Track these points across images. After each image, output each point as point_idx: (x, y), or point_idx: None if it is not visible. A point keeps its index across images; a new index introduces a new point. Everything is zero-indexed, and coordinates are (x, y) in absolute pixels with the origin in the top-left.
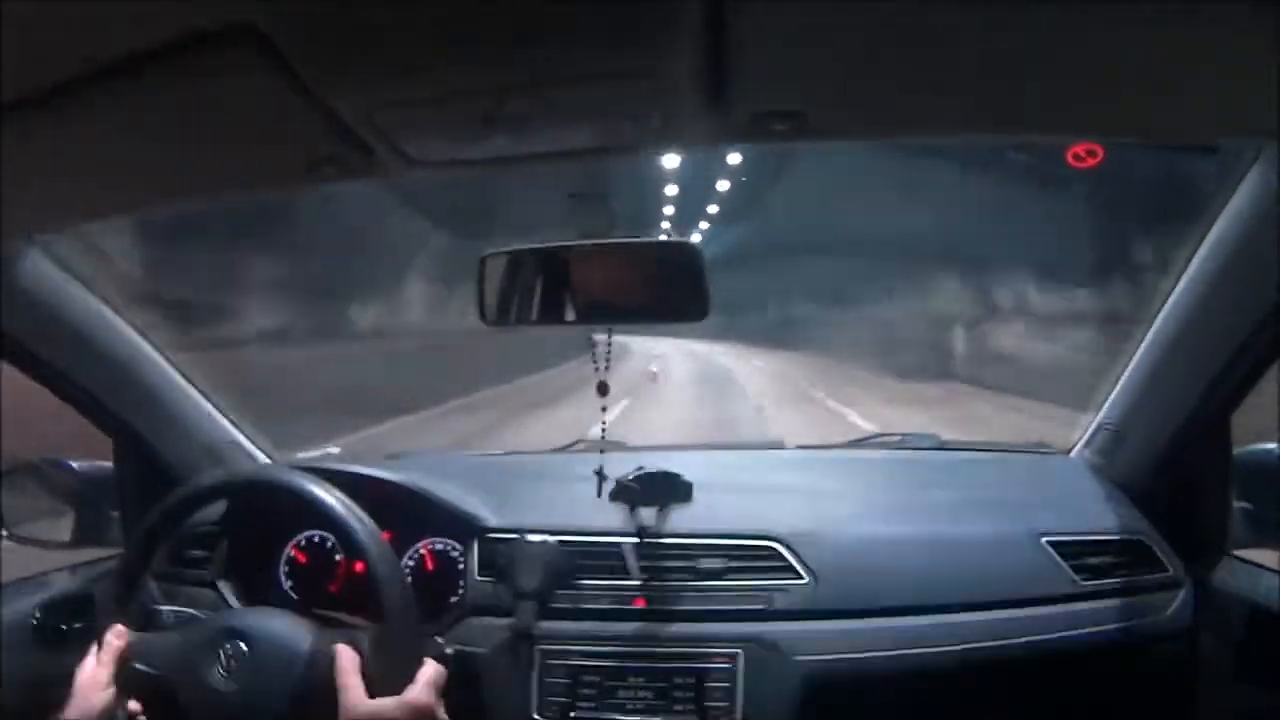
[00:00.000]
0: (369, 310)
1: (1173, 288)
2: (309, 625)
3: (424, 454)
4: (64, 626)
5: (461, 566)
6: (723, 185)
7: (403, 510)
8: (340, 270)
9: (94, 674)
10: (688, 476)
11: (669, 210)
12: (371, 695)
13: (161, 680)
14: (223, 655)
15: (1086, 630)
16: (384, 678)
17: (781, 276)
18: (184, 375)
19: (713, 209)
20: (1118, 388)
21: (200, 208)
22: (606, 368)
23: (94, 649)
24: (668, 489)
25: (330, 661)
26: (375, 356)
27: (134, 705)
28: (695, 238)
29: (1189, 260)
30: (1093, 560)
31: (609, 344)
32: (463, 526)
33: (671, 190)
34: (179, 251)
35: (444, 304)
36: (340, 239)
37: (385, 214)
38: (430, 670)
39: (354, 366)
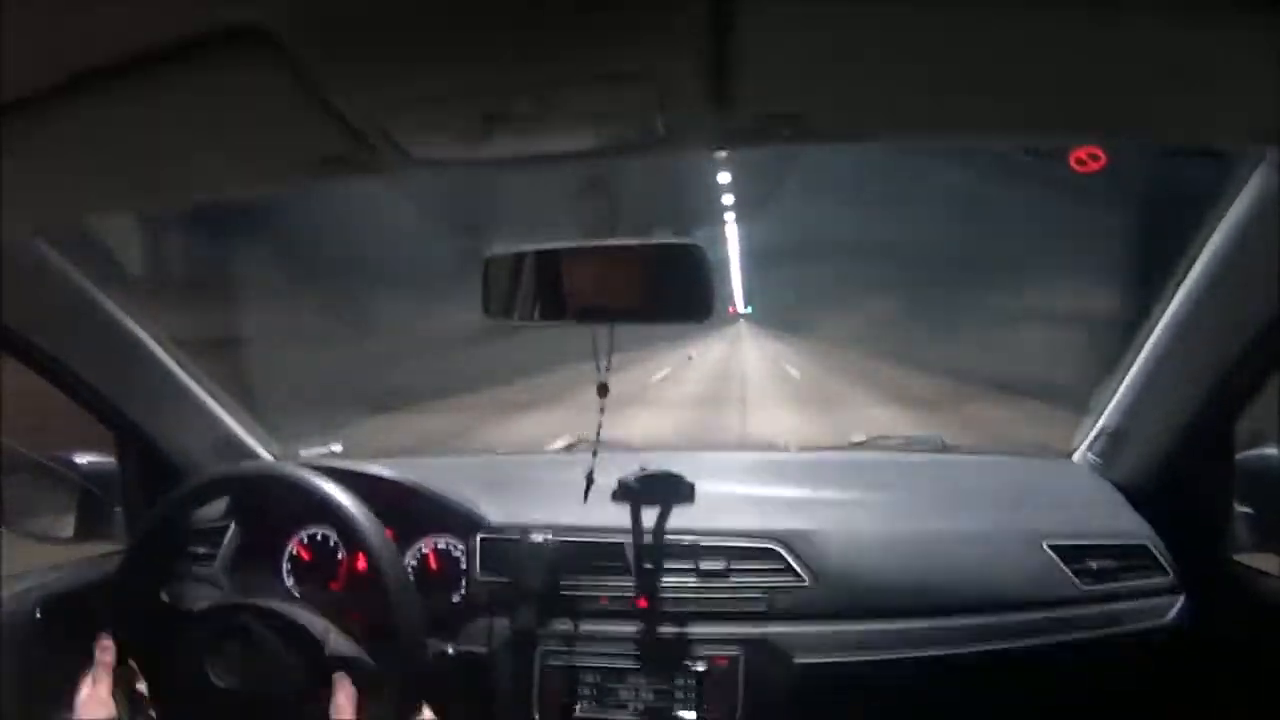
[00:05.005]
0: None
1: (1175, 291)
2: (315, 619)
3: (425, 452)
4: (66, 622)
5: (463, 565)
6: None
7: (404, 508)
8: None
9: (93, 693)
10: (690, 477)
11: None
12: None
13: (164, 666)
14: (227, 647)
15: (1086, 634)
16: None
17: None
18: (188, 370)
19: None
20: (1120, 391)
21: (204, 204)
22: (608, 368)
23: (91, 667)
24: (670, 489)
25: (335, 662)
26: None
27: (141, 687)
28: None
29: (1191, 263)
30: (1094, 564)
31: (610, 344)
32: (464, 525)
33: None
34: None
35: None
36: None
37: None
38: None
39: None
